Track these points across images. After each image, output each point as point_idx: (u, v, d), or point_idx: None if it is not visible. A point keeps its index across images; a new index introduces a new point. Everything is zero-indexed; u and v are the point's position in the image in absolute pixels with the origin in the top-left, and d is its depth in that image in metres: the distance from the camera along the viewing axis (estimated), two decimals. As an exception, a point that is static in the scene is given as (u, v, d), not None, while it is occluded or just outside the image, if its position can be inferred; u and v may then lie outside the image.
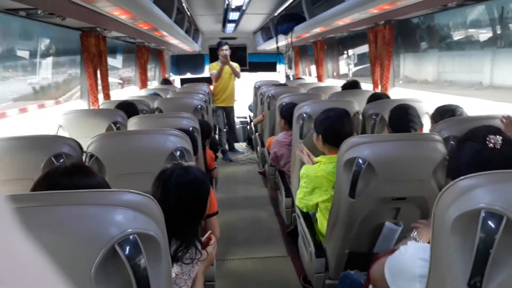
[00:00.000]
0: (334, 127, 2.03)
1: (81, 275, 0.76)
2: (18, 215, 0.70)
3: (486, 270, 0.80)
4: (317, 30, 4.46)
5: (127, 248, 0.77)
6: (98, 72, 3.55)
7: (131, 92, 5.53)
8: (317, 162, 2.06)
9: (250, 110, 6.64)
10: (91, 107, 3.52)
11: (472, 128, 1.14)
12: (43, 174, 1.13)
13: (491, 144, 1.02)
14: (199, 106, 3.32)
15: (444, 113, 2.23)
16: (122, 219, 0.79)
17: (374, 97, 3.06)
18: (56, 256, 0.75)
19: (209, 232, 1.50)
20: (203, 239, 1.42)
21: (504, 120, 1.81)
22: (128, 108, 2.88)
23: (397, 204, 1.72)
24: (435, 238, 0.93)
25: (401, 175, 1.65)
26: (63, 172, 1.11)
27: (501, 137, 1.02)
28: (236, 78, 5.83)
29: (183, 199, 1.32)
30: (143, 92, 5.10)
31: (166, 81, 6.58)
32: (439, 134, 1.72)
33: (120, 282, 0.79)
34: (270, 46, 7.30)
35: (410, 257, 1.07)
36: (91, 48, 3.32)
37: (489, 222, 0.80)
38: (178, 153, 1.68)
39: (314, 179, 2.01)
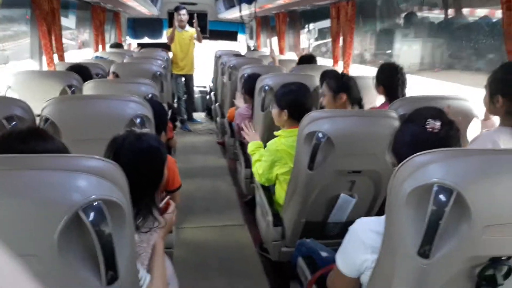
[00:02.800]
0: (298, 100, 2.06)
1: (44, 241, 0.74)
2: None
3: (435, 240, 0.87)
4: (281, 1, 4.42)
5: (91, 214, 0.75)
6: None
7: (85, 55, 5.26)
8: (277, 136, 2.09)
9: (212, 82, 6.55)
10: (45, 68, 3.33)
11: (416, 109, 1.20)
12: None
13: (429, 128, 1.09)
14: (158, 73, 3.23)
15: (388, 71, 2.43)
16: (86, 185, 0.78)
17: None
18: (17, 222, 0.74)
19: (167, 197, 1.49)
20: (161, 205, 1.41)
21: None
22: (81, 71, 2.75)
23: (353, 177, 1.80)
24: (390, 211, 0.98)
25: (358, 149, 1.71)
26: (19, 136, 1.06)
27: (439, 122, 1.08)
28: (197, 43, 5.70)
29: (137, 167, 1.28)
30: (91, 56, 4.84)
31: (117, 45, 6.19)
32: (396, 111, 1.79)
33: (84, 248, 0.78)
34: (232, 14, 7.15)
35: (361, 230, 1.13)
36: (43, 5, 3.10)
37: (440, 196, 0.86)
38: (138, 120, 1.64)
39: (274, 153, 2.05)
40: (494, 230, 0.87)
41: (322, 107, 2.42)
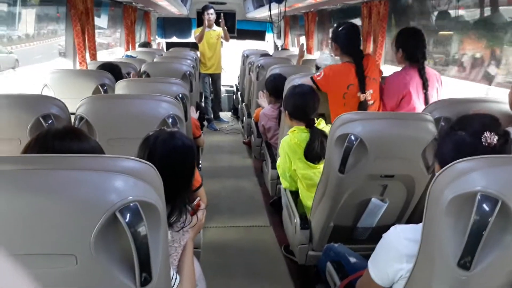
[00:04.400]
0: (297, 103, 2.17)
1: (81, 242, 0.75)
2: (14, 178, 0.68)
3: (477, 251, 0.83)
4: (312, 0, 4.37)
5: (128, 215, 0.76)
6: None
7: (117, 54, 5.37)
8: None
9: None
10: (78, 67, 3.41)
11: (466, 116, 1.13)
12: (34, 136, 1.10)
13: (485, 142, 1.02)
14: (188, 72, 3.25)
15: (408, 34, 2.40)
16: (123, 186, 0.78)
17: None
18: (55, 221, 0.75)
19: (197, 198, 1.50)
20: (192, 205, 1.42)
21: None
22: (112, 70, 2.80)
23: (385, 182, 1.75)
24: (428, 218, 0.95)
25: (391, 153, 1.67)
26: (55, 135, 1.08)
27: (496, 136, 1.03)
28: (224, 42, 5.71)
29: (170, 165, 1.29)
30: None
31: (145, 44, 6.25)
32: (431, 114, 1.74)
33: (120, 249, 0.79)
34: (260, 14, 7.13)
35: (395, 238, 1.09)
36: (78, 4, 3.18)
37: (484, 205, 0.82)
38: (170, 120, 1.65)
39: (289, 147, 2.12)
40: (540, 243, 0.83)
41: None
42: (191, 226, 1.33)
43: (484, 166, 0.88)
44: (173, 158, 1.30)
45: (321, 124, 2.17)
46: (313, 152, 2.06)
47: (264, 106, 3.25)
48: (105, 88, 2.49)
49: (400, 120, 1.70)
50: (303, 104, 2.15)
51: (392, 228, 1.12)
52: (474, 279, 0.86)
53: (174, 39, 8.41)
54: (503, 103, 1.91)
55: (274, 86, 3.13)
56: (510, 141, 1.06)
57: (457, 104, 1.84)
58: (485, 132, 1.03)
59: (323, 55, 2.99)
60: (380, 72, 2.57)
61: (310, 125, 2.11)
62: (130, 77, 3.09)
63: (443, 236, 0.89)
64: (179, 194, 1.30)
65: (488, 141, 1.02)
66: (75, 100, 1.75)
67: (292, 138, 2.12)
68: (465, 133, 1.07)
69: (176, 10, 6.54)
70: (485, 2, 2.79)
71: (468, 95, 2.33)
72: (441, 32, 3.35)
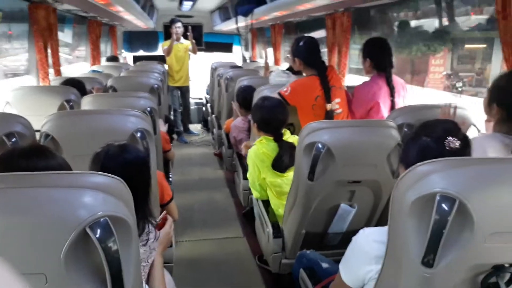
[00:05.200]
0: (266, 116, 2.18)
1: (51, 259, 0.74)
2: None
3: (439, 249, 0.88)
4: (277, 13, 4.46)
5: (98, 230, 0.76)
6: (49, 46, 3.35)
7: (81, 69, 5.27)
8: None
9: (208, 93, 6.56)
10: (41, 84, 3.33)
11: (429, 122, 1.18)
12: None
13: (448, 147, 1.08)
14: (156, 86, 3.24)
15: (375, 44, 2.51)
16: (92, 201, 0.78)
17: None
18: (24, 240, 0.74)
19: (164, 212, 1.48)
20: (158, 219, 1.40)
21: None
22: (76, 85, 2.75)
23: (353, 187, 1.80)
24: (393, 221, 0.99)
25: (358, 159, 1.72)
26: (21, 154, 1.06)
27: (458, 141, 1.08)
28: (192, 55, 5.73)
29: (126, 179, 1.26)
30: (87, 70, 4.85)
31: (113, 58, 6.19)
32: (394, 121, 1.81)
33: (91, 265, 0.78)
34: (227, 26, 7.21)
35: (364, 241, 1.13)
36: (41, 20, 3.12)
37: (443, 205, 0.87)
38: (139, 134, 1.64)
39: (257, 156, 2.15)
40: (496, 238, 0.88)
41: None
42: (157, 239, 1.31)
43: (443, 168, 0.92)
44: (126, 172, 1.21)
45: (286, 135, 2.20)
46: (282, 164, 2.10)
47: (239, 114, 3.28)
48: (71, 104, 2.44)
49: (365, 127, 1.76)
50: (272, 118, 2.16)
51: (360, 231, 1.15)
52: (438, 275, 0.90)
53: (141, 52, 8.35)
54: (462, 109, 2.00)
55: (244, 97, 3.15)
56: (469, 145, 1.12)
57: (418, 110, 1.92)
58: (447, 137, 1.09)
59: (274, 72, 3.03)
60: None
61: (278, 139, 2.14)
62: (94, 92, 3.04)
63: (407, 236, 0.93)
64: (138, 207, 1.27)
65: (451, 145, 1.08)
66: (40, 117, 1.71)
67: (259, 148, 2.15)
68: (429, 138, 1.12)
69: (142, 23, 6.51)
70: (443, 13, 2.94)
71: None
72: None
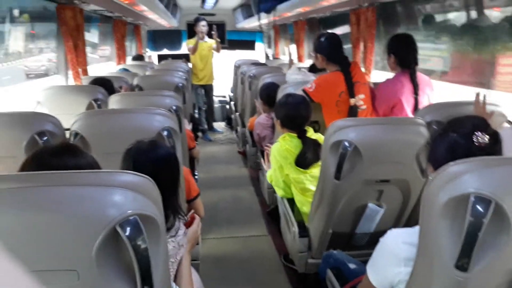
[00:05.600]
0: (289, 113, 2.17)
1: (82, 257, 0.75)
2: (14, 196, 0.68)
3: (474, 252, 0.85)
4: (300, 9, 4.43)
5: (128, 229, 0.76)
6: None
7: (108, 68, 5.37)
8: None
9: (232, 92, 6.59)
10: (72, 83, 3.41)
11: (457, 118, 1.15)
12: (30, 154, 1.10)
13: (477, 142, 1.04)
14: (181, 85, 3.26)
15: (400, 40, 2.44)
16: (122, 200, 0.79)
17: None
18: (56, 237, 0.75)
19: (191, 211, 1.50)
20: (186, 217, 1.42)
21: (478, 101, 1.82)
22: (104, 84, 2.81)
23: (381, 186, 1.77)
24: (424, 222, 0.96)
25: (386, 158, 1.69)
26: (52, 152, 1.08)
27: (487, 136, 1.04)
28: (215, 53, 5.76)
29: (155, 174, 1.28)
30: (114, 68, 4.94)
31: (139, 57, 6.26)
32: (422, 118, 1.76)
33: (121, 263, 0.79)
34: (250, 24, 7.21)
35: (392, 242, 1.10)
36: (69, 21, 3.19)
37: (478, 207, 0.84)
38: (165, 133, 1.66)
39: (280, 153, 2.13)
40: (534, 241, 0.84)
41: None
42: (186, 234, 1.33)
43: (477, 168, 0.89)
44: (157, 168, 1.28)
45: (310, 132, 2.18)
46: (306, 161, 2.08)
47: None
48: (99, 103, 2.49)
49: (392, 125, 1.72)
50: (295, 114, 2.15)
51: (388, 232, 1.13)
52: (472, 280, 0.87)
53: (165, 51, 8.44)
54: (494, 105, 1.93)
55: (267, 94, 3.14)
56: (500, 141, 1.08)
57: (448, 108, 1.87)
58: (476, 133, 1.05)
59: (290, 70, 3.01)
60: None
61: (301, 135, 2.13)
62: (122, 91, 3.09)
63: (440, 238, 0.90)
64: (168, 202, 1.29)
65: (480, 141, 1.04)
66: (69, 116, 1.75)
67: (282, 145, 2.14)
68: (457, 134, 1.09)
69: (166, 22, 6.59)
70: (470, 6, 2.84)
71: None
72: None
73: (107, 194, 0.79)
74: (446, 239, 0.89)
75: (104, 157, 1.66)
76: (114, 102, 2.29)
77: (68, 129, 1.73)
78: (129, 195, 0.80)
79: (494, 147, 1.06)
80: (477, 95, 1.79)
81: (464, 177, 0.89)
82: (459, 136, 1.08)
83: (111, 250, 0.78)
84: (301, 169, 2.10)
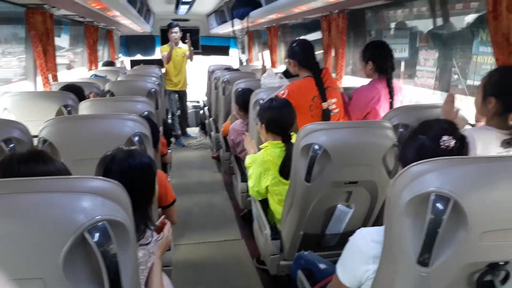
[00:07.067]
0: (275, 117, 2.13)
1: (49, 264, 0.75)
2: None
3: (434, 248, 0.89)
4: (273, 16, 4.48)
5: (96, 235, 0.76)
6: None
7: (79, 74, 5.27)
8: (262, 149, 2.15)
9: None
10: (42, 89, 3.33)
11: (427, 121, 1.19)
12: None
13: (443, 146, 1.09)
14: (153, 90, 3.24)
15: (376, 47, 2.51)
16: (91, 205, 0.79)
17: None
18: (23, 245, 0.75)
19: (162, 216, 1.49)
20: (157, 223, 1.42)
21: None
22: (75, 91, 2.76)
23: (349, 188, 1.81)
24: (389, 220, 1.00)
25: (354, 160, 1.74)
26: (20, 159, 1.07)
27: (454, 140, 1.09)
28: (189, 61, 5.75)
29: (129, 184, 1.27)
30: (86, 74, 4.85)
31: (109, 63, 6.15)
32: (389, 121, 1.82)
33: (89, 269, 0.79)
34: (224, 30, 7.21)
35: (361, 241, 1.13)
36: (38, 26, 3.12)
37: (438, 204, 0.88)
38: (136, 138, 1.65)
39: (262, 164, 2.10)
40: (491, 236, 0.89)
41: None
42: (158, 240, 1.33)
43: (438, 168, 0.93)
44: (129, 177, 1.26)
45: (294, 138, 2.17)
46: (289, 168, 2.07)
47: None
48: (69, 109, 2.45)
49: (361, 128, 1.77)
50: (281, 118, 2.12)
51: (358, 231, 1.16)
52: (434, 274, 0.91)
53: (139, 56, 8.35)
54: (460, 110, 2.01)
55: (243, 100, 3.14)
56: (466, 144, 1.13)
57: (414, 111, 1.94)
58: (443, 136, 1.10)
59: (266, 74, 3.04)
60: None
61: (286, 140, 2.11)
62: (91, 97, 3.04)
63: (403, 235, 0.94)
64: (140, 211, 1.29)
65: (446, 144, 1.09)
66: (38, 123, 1.72)
67: (265, 155, 2.10)
68: (426, 137, 1.13)
69: (139, 28, 6.51)
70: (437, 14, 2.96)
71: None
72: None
73: (75, 200, 0.79)
74: (409, 236, 0.93)
75: (75, 164, 1.64)
76: (84, 108, 2.25)
77: (36, 136, 1.70)
78: (98, 200, 0.80)
79: (461, 150, 1.11)
80: (451, 96, 1.84)
81: (426, 176, 0.93)
82: (428, 139, 1.13)
83: (80, 257, 0.78)
84: (282, 180, 2.08)
